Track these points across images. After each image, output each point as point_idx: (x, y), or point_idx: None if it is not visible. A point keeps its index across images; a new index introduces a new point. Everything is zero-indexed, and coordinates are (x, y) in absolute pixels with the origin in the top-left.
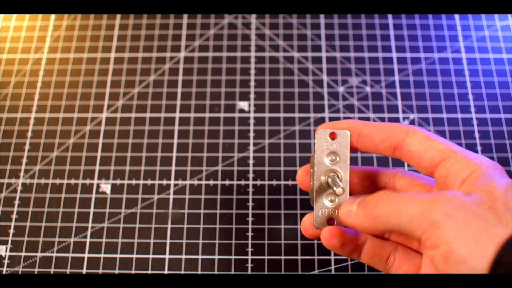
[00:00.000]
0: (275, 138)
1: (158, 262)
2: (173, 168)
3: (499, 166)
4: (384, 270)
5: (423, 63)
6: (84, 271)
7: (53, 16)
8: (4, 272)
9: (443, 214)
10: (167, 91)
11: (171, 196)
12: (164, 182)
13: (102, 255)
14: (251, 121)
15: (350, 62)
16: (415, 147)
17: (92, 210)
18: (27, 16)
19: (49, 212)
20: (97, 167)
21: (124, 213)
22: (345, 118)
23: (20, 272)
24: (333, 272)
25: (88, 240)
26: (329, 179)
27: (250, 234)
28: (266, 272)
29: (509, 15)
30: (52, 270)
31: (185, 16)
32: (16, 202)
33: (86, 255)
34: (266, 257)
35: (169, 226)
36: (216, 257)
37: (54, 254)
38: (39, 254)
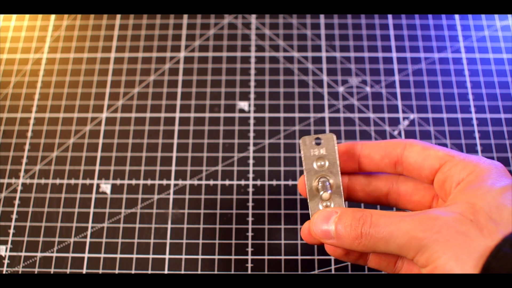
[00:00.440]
0: (275, 138)
1: (158, 262)
2: (173, 168)
3: (498, 166)
4: (392, 273)
5: (423, 63)
6: (84, 271)
7: (53, 16)
8: (4, 272)
9: (428, 239)
10: (167, 91)
11: (171, 196)
12: (164, 182)
13: (102, 255)
14: (251, 121)
15: (350, 62)
16: (414, 159)
17: (92, 210)
18: (27, 16)
19: (49, 212)
20: (97, 167)
21: (124, 213)
22: (345, 118)
23: (20, 272)
24: (333, 272)
25: (88, 240)
26: (320, 185)
27: (250, 234)
28: (266, 272)
29: (509, 15)
30: (52, 270)
31: (185, 16)
32: (16, 202)
33: (86, 255)
34: (266, 257)
35: (169, 226)
36: (216, 257)
37: (54, 254)
38: (39, 254)
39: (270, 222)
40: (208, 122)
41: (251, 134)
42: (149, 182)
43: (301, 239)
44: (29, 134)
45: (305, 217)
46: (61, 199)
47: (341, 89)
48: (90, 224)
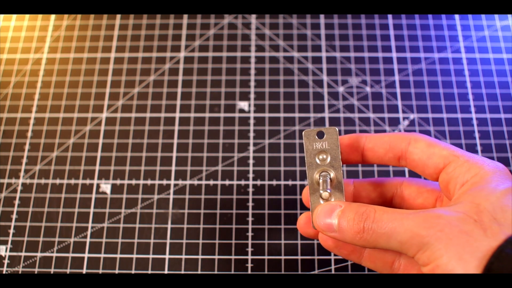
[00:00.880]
0: (275, 138)
1: (158, 262)
2: (173, 168)
3: (501, 168)
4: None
5: (423, 63)
6: (84, 271)
7: (53, 16)
8: (4, 272)
9: (430, 237)
10: (167, 91)
11: (171, 196)
12: (164, 182)
13: (102, 255)
14: (251, 121)
15: (350, 62)
16: (418, 156)
17: (92, 210)
18: (27, 16)
19: (49, 212)
20: (97, 167)
21: (124, 213)
22: (345, 118)
23: (20, 272)
24: (333, 272)
25: (88, 240)
26: (321, 179)
27: (250, 234)
28: (266, 272)
29: (509, 15)
30: (52, 270)
31: (185, 16)
32: (16, 202)
33: (86, 255)
34: (266, 257)
35: (169, 226)
36: (216, 257)
37: (54, 254)
38: (39, 254)
39: (270, 222)
40: (208, 122)
41: (251, 134)
42: (149, 182)
43: (301, 239)
44: (29, 134)
45: None
46: (61, 199)
47: (341, 89)
48: (90, 224)
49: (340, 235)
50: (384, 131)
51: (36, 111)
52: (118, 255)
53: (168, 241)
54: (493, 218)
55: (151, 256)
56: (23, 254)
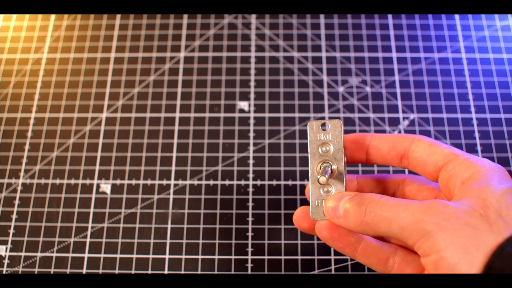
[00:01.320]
0: (275, 138)
1: (158, 262)
2: (173, 168)
3: (501, 168)
4: (384, 273)
5: (423, 63)
6: (84, 271)
7: (53, 16)
8: (4, 272)
9: (434, 224)
10: (167, 91)
11: (171, 196)
12: (164, 182)
13: (102, 255)
14: (251, 121)
15: (350, 62)
16: (420, 153)
17: (92, 210)
18: (27, 16)
19: (49, 212)
20: (97, 167)
21: (124, 213)
22: (345, 118)
23: (20, 272)
24: (333, 272)
25: (88, 240)
26: (321, 169)
27: (250, 234)
28: (266, 272)
29: (509, 15)
30: (52, 270)
31: (185, 16)
32: (16, 202)
33: (86, 255)
34: (266, 257)
35: (169, 226)
36: (216, 257)
37: (54, 254)
38: (39, 254)
39: (270, 222)
40: (208, 122)
41: (251, 134)
42: (149, 182)
43: (301, 239)
44: (29, 134)
45: None
46: (61, 199)
47: (341, 89)
48: (90, 224)
49: (344, 221)
50: (384, 131)
51: (36, 111)
52: (118, 255)
53: (168, 241)
54: (499, 215)
55: (151, 256)
56: (23, 254)
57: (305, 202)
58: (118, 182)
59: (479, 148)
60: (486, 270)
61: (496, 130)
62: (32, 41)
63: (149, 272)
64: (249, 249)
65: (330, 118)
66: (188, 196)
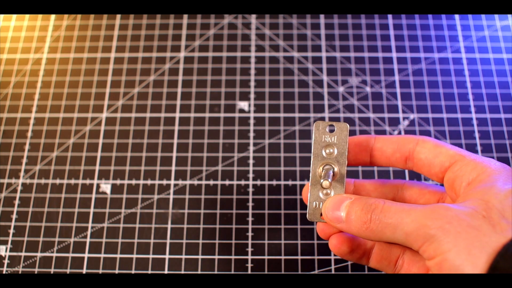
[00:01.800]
0: (275, 138)
1: (158, 262)
2: (173, 168)
3: (507, 169)
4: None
5: (423, 63)
6: (84, 271)
7: (53, 16)
8: (4, 272)
9: (437, 228)
10: (167, 91)
11: (171, 196)
12: (164, 182)
13: (102, 255)
14: (251, 121)
15: (350, 62)
16: (425, 155)
17: (92, 210)
18: (27, 16)
19: (49, 212)
20: (97, 167)
21: (124, 213)
22: (345, 118)
23: (20, 272)
24: (333, 272)
25: (88, 240)
26: (323, 172)
27: (250, 234)
28: (266, 272)
29: (509, 15)
30: (52, 270)
31: (185, 16)
32: (16, 202)
33: (86, 255)
34: (266, 257)
35: (169, 226)
36: (216, 257)
37: (54, 254)
38: (39, 254)
39: (270, 222)
40: (208, 122)
41: (251, 134)
42: (149, 182)
43: (301, 239)
44: (29, 134)
45: (305, 218)
46: (61, 199)
47: (341, 89)
48: (90, 224)
49: (347, 226)
50: (384, 131)
51: (36, 111)
52: (118, 255)
53: (168, 241)
54: (502, 216)
55: (151, 256)
56: (23, 254)
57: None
58: (118, 182)
59: (479, 148)
60: (490, 270)
61: (496, 130)
62: (32, 41)
63: (149, 272)
64: (249, 249)
65: (335, 120)
66: (188, 196)
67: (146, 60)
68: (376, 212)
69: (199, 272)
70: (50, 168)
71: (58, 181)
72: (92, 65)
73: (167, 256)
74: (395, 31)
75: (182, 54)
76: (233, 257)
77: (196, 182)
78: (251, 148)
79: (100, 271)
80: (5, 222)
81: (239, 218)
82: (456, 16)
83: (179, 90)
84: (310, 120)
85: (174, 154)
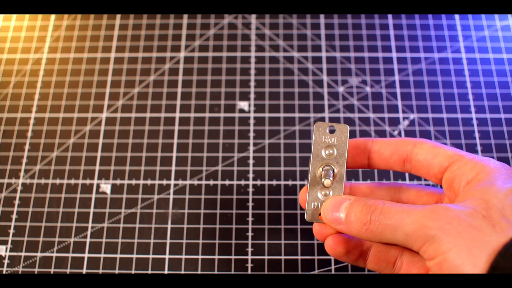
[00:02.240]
0: (275, 138)
1: (158, 262)
2: (173, 168)
3: (507, 167)
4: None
5: (423, 63)
6: (84, 271)
7: (53, 16)
8: (4, 272)
9: (437, 229)
10: (167, 91)
11: (171, 196)
12: (164, 182)
13: (102, 255)
14: (251, 121)
15: (350, 62)
16: (423, 156)
17: (92, 210)
18: (27, 16)
19: (49, 212)
20: (97, 167)
21: (124, 213)
22: (345, 118)
23: (20, 272)
24: (333, 272)
25: (88, 240)
26: (323, 172)
27: (250, 234)
28: (266, 272)
29: (509, 15)
30: (52, 270)
31: (185, 16)
32: (16, 202)
33: (86, 255)
34: (266, 257)
35: (169, 226)
36: (216, 257)
37: (54, 254)
38: (39, 254)
39: (270, 222)
40: (208, 122)
41: (251, 134)
42: (149, 182)
43: (301, 239)
44: (29, 134)
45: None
46: (61, 199)
47: (341, 89)
48: (90, 224)
49: (346, 227)
50: (384, 131)
51: (36, 111)
52: (118, 255)
53: (168, 241)
54: (502, 215)
55: (151, 256)
56: (23, 254)
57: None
58: (118, 182)
59: (479, 148)
60: (491, 270)
61: (496, 130)
62: (32, 41)
63: (149, 272)
64: (249, 249)
65: (335, 120)
66: (188, 196)
67: (146, 60)
68: (376, 213)
69: (199, 272)
70: (50, 168)
71: (58, 181)
72: (92, 65)
73: (167, 256)
74: (395, 31)
75: (182, 54)
76: (233, 257)
77: (196, 182)
78: (251, 148)
79: (100, 271)
80: (5, 222)
81: (239, 218)
82: (456, 16)
83: (179, 90)
84: (310, 120)
85: (174, 154)
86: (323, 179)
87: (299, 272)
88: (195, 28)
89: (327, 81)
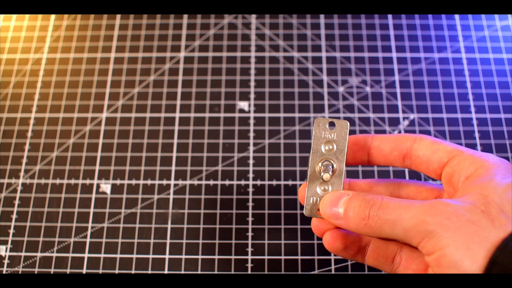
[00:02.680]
0: (275, 138)
1: (158, 262)
2: (173, 168)
3: (506, 163)
4: (390, 271)
5: (423, 63)
6: (84, 271)
7: (53, 16)
8: (4, 272)
9: (436, 224)
10: (167, 91)
11: (171, 196)
12: (164, 182)
13: (102, 255)
14: (251, 121)
15: (350, 62)
16: (423, 151)
17: (92, 210)
18: (27, 16)
19: (49, 212)
20: (97, 167)
21: (124, 213)
22: (345, 118)
23: (20, 272)
24: (333, 272)
25: (88, 240)
26: (322, 167)
27: (250, 234)
28: (266, 272)
29: (509, 15)
30: (52, 270)
31: (185, 16)
32: (16, 202)
33: (86, 255)
34: (266, 257)
35: (169, 226)
36: (216, 257)
37: (54, 254)
38: (39, 254)
39: (270, 222)
40: (208, 122)
41: (251, 134)
42: (149, 182)
43: (301, 239)
44: (29, 134)
45: (305, 218)
46: (61, 199)
47: (341, 89)
48: (90, 224)
49: (345, 222)
50: (384, 131)
51: (36, 111)
52: (118, 255)
53: (168, 241)
54: (501, 210)
55: (151, 256)
56: (23, 254)
57: None
58: (118, 182)
59: (479, 148)
60: (489, 265)
61: (496, 130)
62: (32, 41)
63: (149, 272)
64: (249, 249)
65: (336, 118)
66: (188, 196)
67: (146, 60)
68: (375, 208)
69: (199, 272)
70: (50, 168)
71: (58, 181)
72: (92, 65)
73: (167, 256)
74: (395, 31)
75: (182, 54)
76: (233, 257)
77: (196, 182)
78: (251, 148)
79: (100, 271)
80: (5, 222)
81: (239, 218)
82: (456, 16)
83: (179, 90)
84: (310, 120)
85: (174, 154)
86: (322, 173)
87: (299, 272)
88: (195, 28)
89: (327, 81)
